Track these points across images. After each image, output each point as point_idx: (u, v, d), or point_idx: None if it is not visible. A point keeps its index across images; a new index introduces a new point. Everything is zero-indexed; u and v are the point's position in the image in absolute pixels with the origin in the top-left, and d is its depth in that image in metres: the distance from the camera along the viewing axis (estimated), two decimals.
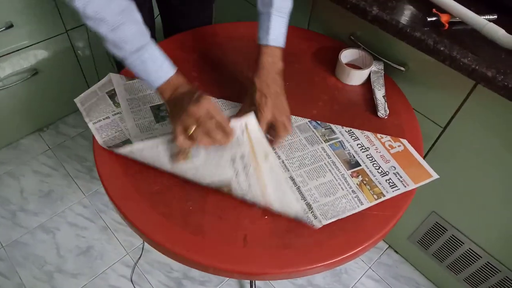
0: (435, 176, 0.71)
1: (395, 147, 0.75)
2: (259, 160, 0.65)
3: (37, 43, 1.36)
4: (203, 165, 0.66)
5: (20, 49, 1.33)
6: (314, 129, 0.78)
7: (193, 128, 0.62)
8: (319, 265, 0.62)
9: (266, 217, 0.66)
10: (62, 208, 1.41)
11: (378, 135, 0.77)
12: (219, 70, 0.91)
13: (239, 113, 0.76)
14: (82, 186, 1.48)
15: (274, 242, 0.63)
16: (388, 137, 0.77)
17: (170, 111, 0.68)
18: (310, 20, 1.09)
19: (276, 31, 0.75)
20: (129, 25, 0.64)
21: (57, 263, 1.28)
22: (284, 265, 0.61)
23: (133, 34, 0.65)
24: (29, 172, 1.50)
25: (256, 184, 0.65)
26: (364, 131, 0.78)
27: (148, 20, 1.05)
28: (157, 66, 0.66)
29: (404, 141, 0.76)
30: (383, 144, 0.76)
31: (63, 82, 1.52)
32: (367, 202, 0.68)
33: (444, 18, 0.80)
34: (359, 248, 0.64)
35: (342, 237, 0.64)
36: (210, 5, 1.13)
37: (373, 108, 0.83)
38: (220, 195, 0.68)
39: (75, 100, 0.82)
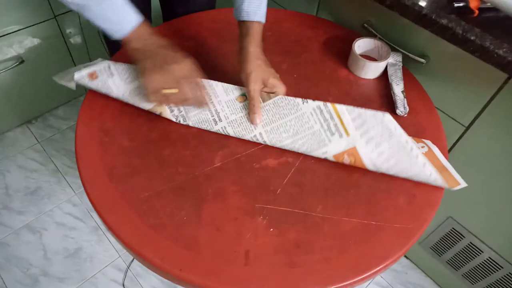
0: (463, 184, 0.62)
1: (419, 148, 0.66)
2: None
3: (23, 29, 1.25)
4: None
5: (4, 36, 1.23)
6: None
7: (172, 91, 0.63)
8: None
9: (271, 229, 0.58)
10: (50, 207, 1.32)
11: None
12: (215, 59, 0.81)
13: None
14: (72, 183, 1.39)
15: (280, 260, 0.55)
16: (410, 138, 0.68)
17: (140, 62, 0.65)
18: (319, 6, 0.99)
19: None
20: None
21: (43, 266, 1.19)
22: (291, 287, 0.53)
23: None
24: (14, 167, 1.41)
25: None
26: None
27: (142, 2, 0.96)
28: (121, 15, 0.63)
29: (428, 142, 0.67)
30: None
31: (52, 71, 1.39)
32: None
33: (474, 3, 0.71)
34: (377, 268, 0.55)
35: (357, 254, 0.56)
36: None
37: (391, 104, 0.75)
38: (218, 204, 0.60)
39: (54, 77, 0.74)
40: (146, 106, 0.68)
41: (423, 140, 0.68)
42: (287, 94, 0.70)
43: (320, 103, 0.67)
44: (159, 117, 0.70)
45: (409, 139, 0.63)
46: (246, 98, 0.70)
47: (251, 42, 0.68)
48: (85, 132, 0.68)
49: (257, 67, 0.66)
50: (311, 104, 0.68)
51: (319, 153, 0.65)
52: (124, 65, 0.71)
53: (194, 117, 0.68)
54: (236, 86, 0.71)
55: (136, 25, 0.64)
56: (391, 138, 0.64)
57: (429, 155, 0.65)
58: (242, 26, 0.71)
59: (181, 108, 0.69)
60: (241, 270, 0.54)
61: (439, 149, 0.67)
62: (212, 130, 0.68)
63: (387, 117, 0.64)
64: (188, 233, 0.57)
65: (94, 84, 0.70)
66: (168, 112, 0.68)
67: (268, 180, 0.63)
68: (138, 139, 0.67)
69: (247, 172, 0.64)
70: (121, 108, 0.71)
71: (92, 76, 0.70)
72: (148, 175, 0.63)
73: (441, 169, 0.64)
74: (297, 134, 0.66)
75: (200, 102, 0.67)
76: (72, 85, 0.71)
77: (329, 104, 0.67)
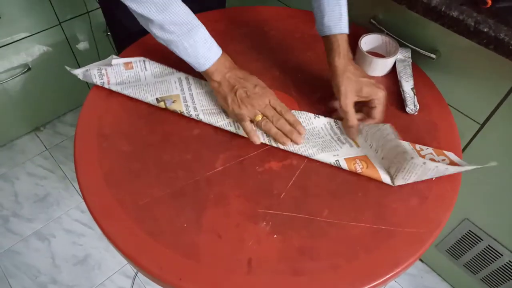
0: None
1: (439, 161, 0.61)
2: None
3: (28, 36, 1.26)
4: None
5: (9, 44, 1.23)
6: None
7: (260, 117, 0.63)
8: None
9: (275, 235, 0.55)
10: (59, 214, 1.32)
11: (417, 146, 0.63)
12: None
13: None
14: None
15: (284, 268, 0.52)
16: (430, 149, 0.63)
17: (223, 92, 0.65)
18: None
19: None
20: (177, 5, 0.61)
21: (51, 274, 1.19)
22: None
23: (182, 15, 0.62)
24: (23, 174, 1.41)
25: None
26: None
27: None
28: (206, 48, 0.64)
29: (450, 155, 0.62)
30: (423, 158, 0.61)
31: (59, 78, 1.43)
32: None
33: None
34: (388, 276, 0.52)
35: (366, 261, 0.53)
36: None
37: (400, 102, 0.71)
38: (220, 209, 0.57)
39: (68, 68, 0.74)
40: (162, 94, 0.70)
41: (444, 152, 0.63)
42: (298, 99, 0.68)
43: (331, 120, 0.67)
44: (159, 120, 0.68)
45: (414, 152, 0.58)
46: None
47: (335, 57, 0.66)
48: (84, 138, 0.67)
49: (346, 80, 0.65)
50: (322, 119, 0.68)
51: (330, 158, 0.62)
52: (156, 63, 0.75)
53: (204, 110, 0.68)
54: None
55: (219, 57, 0.65)
56: (392, 150, 0.59)
57: None
58: (326, 41, 0.69)
59: (195, 100, 0.69)
60: (243, 279, 0.51)
61: (451, 147, 0.64)
62: (221, 123, 0.66)
63: (388, 128, 0.61)
64: (188, 240, 0.54)
65: (124, 74, 0.73)
66: (181, 101, 0.69)
67: (271, 184, 0.60)
68: (137, 143, 0.65)
69: (250, 175, 0.61)
70: (121, 114, 0.69)
71: (128, 65, 0.73)
72: (147, 180, 0.61)
73: None
74: (308, 141, 0.64)
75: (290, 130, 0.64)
76: (83, 77, 0.73)
77: (339, 122, 0.67)
